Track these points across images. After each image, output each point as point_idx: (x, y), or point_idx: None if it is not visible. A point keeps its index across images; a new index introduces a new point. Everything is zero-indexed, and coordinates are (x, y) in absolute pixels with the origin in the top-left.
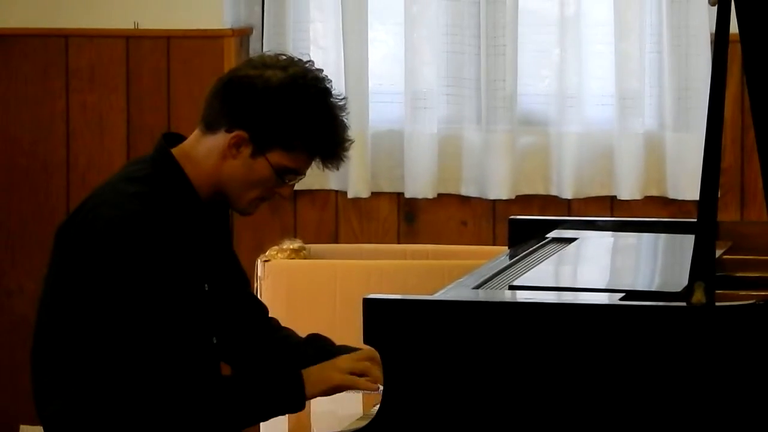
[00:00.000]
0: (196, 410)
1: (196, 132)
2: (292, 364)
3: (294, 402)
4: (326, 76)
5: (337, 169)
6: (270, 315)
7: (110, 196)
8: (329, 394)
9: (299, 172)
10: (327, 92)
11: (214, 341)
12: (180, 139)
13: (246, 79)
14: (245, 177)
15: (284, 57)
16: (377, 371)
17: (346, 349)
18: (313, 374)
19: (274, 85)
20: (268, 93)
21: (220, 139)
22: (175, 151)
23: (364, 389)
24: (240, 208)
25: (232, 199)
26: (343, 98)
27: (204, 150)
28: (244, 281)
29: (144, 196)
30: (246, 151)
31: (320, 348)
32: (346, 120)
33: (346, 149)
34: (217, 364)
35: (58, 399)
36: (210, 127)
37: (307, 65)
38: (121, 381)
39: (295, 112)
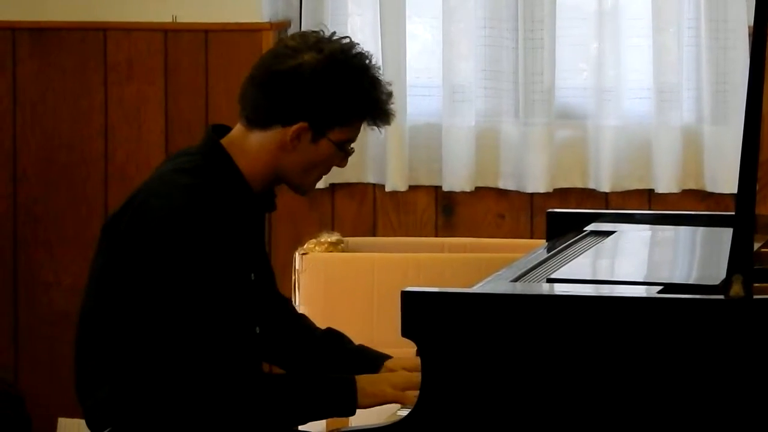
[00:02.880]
0: (246, 405)
1: (240, 128)
2: (308, 358)
3: (345, 409)
4: (350, 39)
5: (389, 124)
6: (304, 307)
7: (161, 188)
8: (378, 405)
9: (354, 140)
10: (363, 57)
11: (258, 331)
12: (226, 130)
13: (289, 71)
14: (309, 161)
15: (306, 37)
16: None
17: (362, 349)
18: (367, 385)
19: (320, 70)
20: (318, 79)
21: (275, 135)
22: (223, 142)
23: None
24: (304, 189)
25: (294, 184)
26: (371, 54)
27: (255, 145)
28: (272, 276)
29: (195, 187)
30: (306, 138)
31: (336, 346)
32: (382, 76)
33: (393, 104)
34: (259, 354)
35: (103, 387)
36: (258, 123)
37: (332, 37)
38: (170, 369)
39: (347, 88)
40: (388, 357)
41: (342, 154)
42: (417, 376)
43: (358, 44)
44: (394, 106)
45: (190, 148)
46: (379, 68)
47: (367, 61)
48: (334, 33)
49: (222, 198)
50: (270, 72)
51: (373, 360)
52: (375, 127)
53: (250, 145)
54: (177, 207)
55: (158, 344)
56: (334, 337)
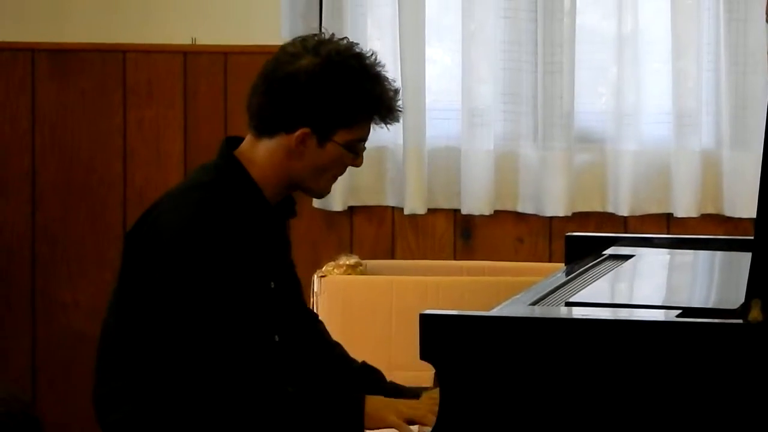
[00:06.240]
0: (259, 421)
1: (250, 137)
2: (347, 388)
3: (351, 428)
4: (350, 40)
5: (398, 121)
6: (323, 325)
7: (174, 204)
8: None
9: (365, 139)
10: (362, 57)
11: (277, 339)
12: (240, 141)
13: (287, 77)
14: (318, 165)
15: (306, 41)
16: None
17: (394, 386)
18: (372, 410)
19: (317, 74)
20: (315, 83)
21: (281, 141)
22: (236, 153)
23: None
24: (318, 192)
25: (308, 187)
26: (373, 53)
27: (265, 154)
28: (298, 288)
29: (206, 201)
30: (312, 143)
31: (372, 381)
32: (386, 73)
33: (399, 100)
34: (280, 362)
35: (125, 405)
36: (264, 131)
37: (331, 39)
38: (192, 387)
39: (346, 90)
40: (420, 390)
41: (352, 155)
42: (424, 408)
43: (358, 44)
44: (401, 102)
45: (206, 163)
46: (383, 66)
47: (367, 61)
48: (333, 35)
49: (236, 210)
50: (269, 79)
51: (408, 395)
52: (384, 126)
53: (260, 154)
54: (188, 223)
55: (174, 361)
56: (371, 372)
